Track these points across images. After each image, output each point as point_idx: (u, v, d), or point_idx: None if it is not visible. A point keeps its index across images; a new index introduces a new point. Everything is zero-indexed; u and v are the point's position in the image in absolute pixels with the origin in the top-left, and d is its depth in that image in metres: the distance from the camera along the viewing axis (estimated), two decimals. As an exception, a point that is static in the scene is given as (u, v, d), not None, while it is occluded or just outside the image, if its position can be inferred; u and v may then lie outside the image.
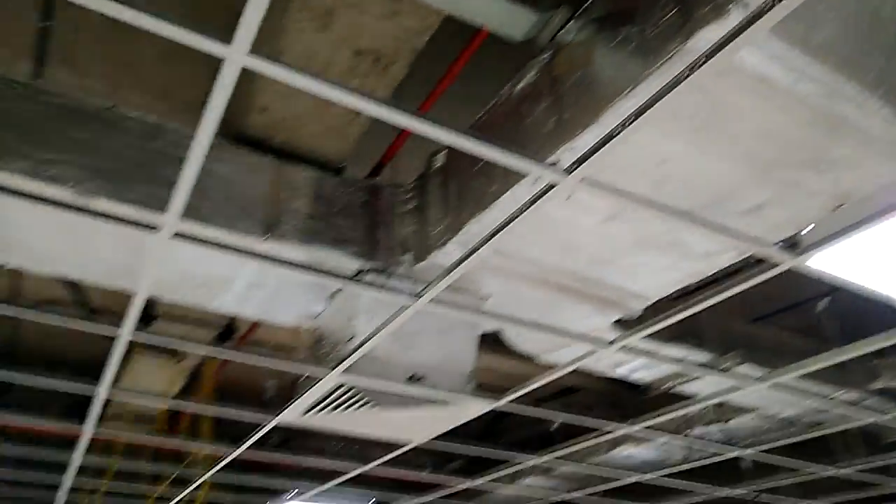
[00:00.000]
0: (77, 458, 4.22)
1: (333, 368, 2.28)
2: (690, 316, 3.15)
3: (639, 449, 4.54)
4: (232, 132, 2.38)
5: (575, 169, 1.54)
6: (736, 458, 4.48)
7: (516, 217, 1.80)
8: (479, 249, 1.92)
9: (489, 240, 1.92)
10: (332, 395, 2.48)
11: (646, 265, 2.34)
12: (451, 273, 2.01)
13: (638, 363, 3.18)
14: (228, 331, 3.95)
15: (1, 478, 5.73)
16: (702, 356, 3.13)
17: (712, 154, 1.83)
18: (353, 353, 2.27)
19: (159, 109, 2.19)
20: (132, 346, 4.27)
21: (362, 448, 5.02)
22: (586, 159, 1.51)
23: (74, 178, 2.03)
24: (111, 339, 2.69)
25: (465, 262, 1.98)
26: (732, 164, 1.86)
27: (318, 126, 2.31)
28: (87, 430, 3.75)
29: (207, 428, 4.80)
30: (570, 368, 3.16)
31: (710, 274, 2.37)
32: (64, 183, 2.02)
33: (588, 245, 2.24)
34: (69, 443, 4.63)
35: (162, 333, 3.93)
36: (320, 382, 2.38)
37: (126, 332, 2.34)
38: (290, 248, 2.30)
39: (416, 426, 2.76)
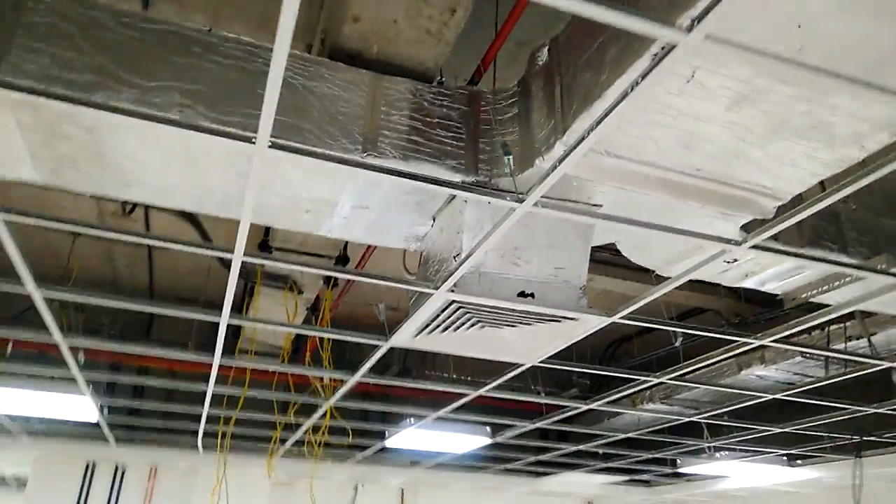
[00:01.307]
0: (210, 388, 4.51)
1: (440, 286, 2.22)
2: (829, 216, 2.87)
3: (770, 370, 4.27)
4: (328, 48, 2.31)
5: (698, 24, 1.35)
6: (888, 372, 4.11)
7: (630, 102, 1.63)
8: (585, 140, 1.76)
9: (598, 125, 1.76)
10: (441, 314, 2.44)
11: (781, 156, 2.09)
12: (558, 170, 1.87)
13: (770, 272, 2.93)
14: (342, 260, 4.01)
15: (151, 409, 6.27)
16: (844, 258, 2.83)
17: (858, 13, 1.56)
18: (459, 268, 2.20)
19: (260, 38, 2.15)
20: (253, 283, 4.46)
21: (478, 376, 5.05)
22: (708, 13, 1.32)
23: (178, 104, 2.05)
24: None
25: (573, 156, 1.83)
26: (879, 24, 1.58)
27: (412, 31, 2.20)
28: (217, 361, 3.97)
29: (328, 357, 4.98)
30: (692, 277, 2.96)
31: (856, 161, 2.09)
32: (167, 110, 2.04)
33: (713, 137, 2.02)
34: (205, 376, 4.96)
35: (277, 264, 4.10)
36: (429, 301, 2.34)
37: (238, 253, 2.37)
38: (391, 164, 2.23)
39: (529, 346, 2.69)
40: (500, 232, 2.04)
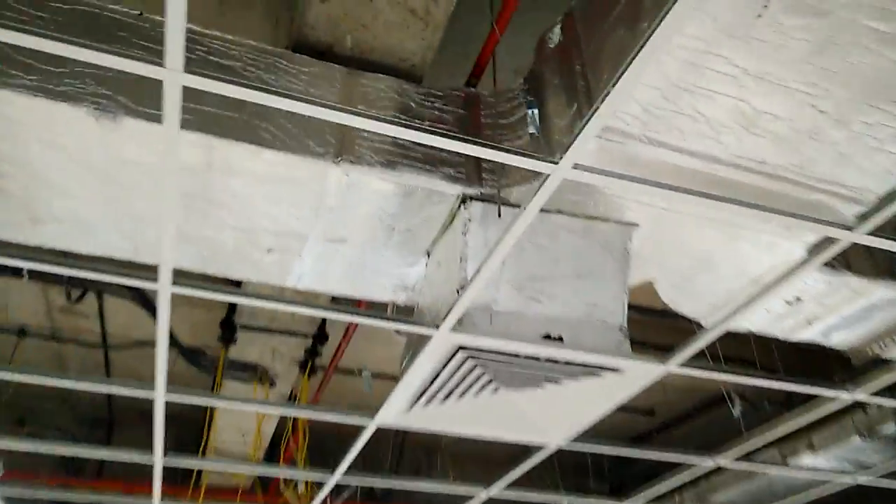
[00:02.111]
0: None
1: (440, 325, 1.68)
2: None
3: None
4: (293, 41, 1.89)
5: None
6: None
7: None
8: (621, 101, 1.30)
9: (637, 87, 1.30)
10: (443, 369, 1.87)
11: (869, 135, 1.64)
12: (576, 143, 1.40)
13: (839, 316, 2.40)
14: (320, 339, 3.42)
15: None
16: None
17: None
18: (464, 294, 1.67)
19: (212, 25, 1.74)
20: (221, 376, 3.84)
21: (477, 469, 4.33)
22: None
23: (93, 95, 1.59)
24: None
25: (602, 117, 1.36)
26: None
27: (392, 11, 1.79)
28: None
29: (303, 457, 4.25)
30: (745, 328, 2.42)
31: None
32: (79, 100, 1.58)
33: (781, 108, 1.57)
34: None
35: (245, 349, 3.50)
36: (427, 351, 1.79)
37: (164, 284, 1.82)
38: (370, 173, 1.75)
39: (554, 417, 2.10)
40: (517, 233, 1.52)
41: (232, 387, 3.77)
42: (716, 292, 2.26)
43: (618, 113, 1.55)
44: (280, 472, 3.52)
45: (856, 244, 2.30)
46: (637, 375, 1.87)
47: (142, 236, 1.95)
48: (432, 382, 1.95)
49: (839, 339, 2.55)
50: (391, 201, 1.83)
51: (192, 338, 4.04)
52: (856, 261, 2.21)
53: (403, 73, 1.95)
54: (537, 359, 1.81)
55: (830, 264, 2.13)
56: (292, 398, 4.21)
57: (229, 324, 3.31)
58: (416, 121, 1.86)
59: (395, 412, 2.12)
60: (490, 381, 1.89)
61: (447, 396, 2.01)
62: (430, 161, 1.81)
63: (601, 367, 1.84)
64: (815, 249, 1.97)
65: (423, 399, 2.04)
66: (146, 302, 3.77)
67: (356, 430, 2.62)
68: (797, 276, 2.16)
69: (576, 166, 1.51)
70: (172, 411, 3.33)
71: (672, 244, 2.04)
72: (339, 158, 1.72)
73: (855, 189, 1.79)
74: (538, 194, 1.51)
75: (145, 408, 2.63)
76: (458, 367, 1.84)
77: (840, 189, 1.79)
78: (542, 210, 1.86)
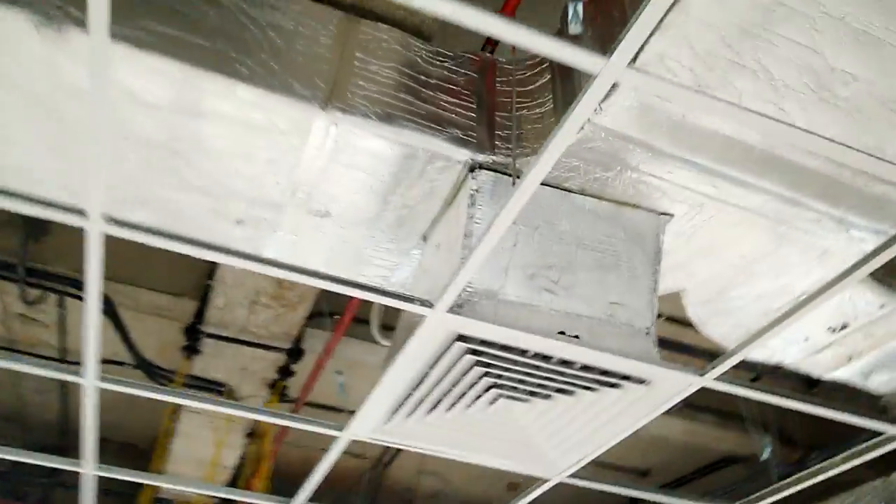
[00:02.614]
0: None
1: (435, 304, 1.37)
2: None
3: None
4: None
5: None
6: None
7: None
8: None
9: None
10: (436, 364, 1.55)
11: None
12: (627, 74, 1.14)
13: (883, 352, 2.10)
14: (295, 354, 3.08)
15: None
16: None
17: None
18: (465, 267, 1.37)
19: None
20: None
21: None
22: None
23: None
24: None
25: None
26: None
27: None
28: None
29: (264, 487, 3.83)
30: (778, 361, 2.13)
31: None
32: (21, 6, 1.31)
33: (855, 60, 1.32)
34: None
35: (211, 363, 3.13)
36: (418, 339, 1.47)
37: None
38: (364, 126, 1.48)
39: (563, 437, 1.77)
40: (533, 186, 1.23)
41: (189, 413, 3.40)
42: (750, 312, 1.97)
43: (666, 56, 1.29)
44: (233, 494, 3.11)
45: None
46: (666, 389, 1.55)
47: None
48: (419, 385, 1.63)
49: (879, 382, 2.24)
50: (387, 165, 1.56)
51: (159, 355, 3.67)
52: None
53: (410, 29, 1.70)
54: (549, 360, 1.49)
55: (888, 282, 1.85)
56: (254, 434, 3.83)
57: (194, 331, 2.97)
58: (423, 76, 1.60)
59: (371, 423, 1.78)
60: (491, 386, 1.57)
61: (436, 405, 1.68)
62: (436, 120, 1.54)
63: (625, 377, 1.53)
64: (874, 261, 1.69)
65: (407, 407, 1.71)
66: (112, 313, 3.44)
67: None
68: (848, 293, 1.88)
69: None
70: (124, 434, 2.94)
71: (709, 245, 1.76)
72: (328, 104, 1.45)
73: (932, 184, 1.53)
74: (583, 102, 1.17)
75: (104, 435, 2.29)
76: (454, 364, 1.52)
77: (914, 182, 1.53)
78: (563, 188, 1.60)
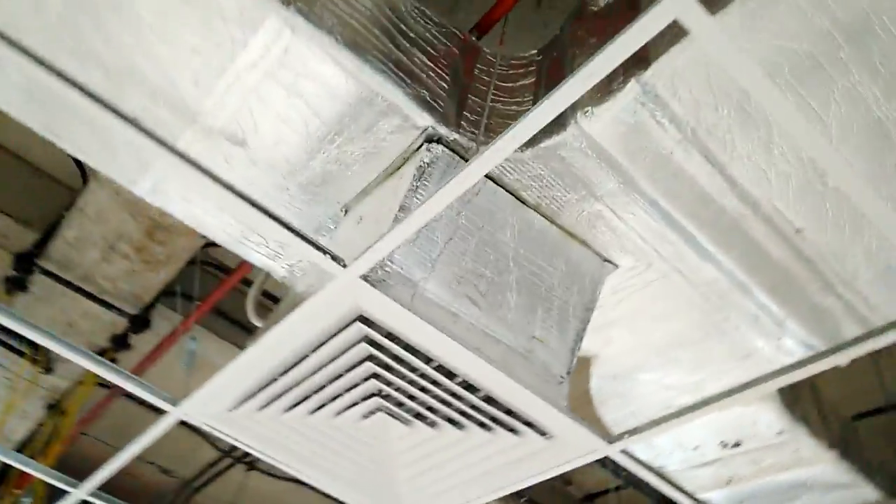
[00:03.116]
0: None
1: (349, 265, 1.11)
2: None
3: None
4: None
5: None
6: None
7: None
8: None
9: None
10: (319, 349, 1.27)
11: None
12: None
13: (765, 484, 2.01)
14: (139, 323, 2.64)
15: None
16: (865, 492, 2.00)
17: None
18: (389, 241, 1.13)
19: None
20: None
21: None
22: None
23: None
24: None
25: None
26: None
27: None
28: None
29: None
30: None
31: None
32: None
33: (855, 161, 1.24)
34: None
35: (35, 306, 2.58)
36: (313, 307, 1.19)
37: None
38: (324, 44, 1.24)
39: (433, 480, 1.51)
40: (481, 171, 1.02)
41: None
42: (652, 403, 1.83)
43: (676, 77, 1.16)
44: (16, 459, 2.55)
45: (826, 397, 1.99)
46: (568, 449, 1.34)
47: None
48: (290, 370, 1.33)
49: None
50: (335, 103, 1.31)
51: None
52: (814, 420, 1.88)
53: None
54: (453, 378, 1.25)
55: (793, 410, 1.78)
56: (56, 407, 3.27)
57: (27, 262, 2.48)
58: (402, 25, 1.40)
59: (212, 406, 1.44)
60: (375, 393, 1.31)
61: (299, 403, 1.38)
62: (408, 72, 1.33)
63: (529, 423, 1.31)
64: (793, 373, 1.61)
65: (264, 396, 1.39)
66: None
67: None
68: (753, 408, 1.79)
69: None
70: None
71: (640, 313, 1.62)
72: (291, 3, 1.21)
73: (875, 307, 1.47)
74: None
75: None
76: (343, 352, 1.25)
77: (859, 301, 1.47)
78: (518, 197, 1.41)
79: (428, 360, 1.24)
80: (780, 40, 1.11)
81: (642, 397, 1.83)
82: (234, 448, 4.59)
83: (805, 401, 1.84)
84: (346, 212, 1.52)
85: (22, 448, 3.38)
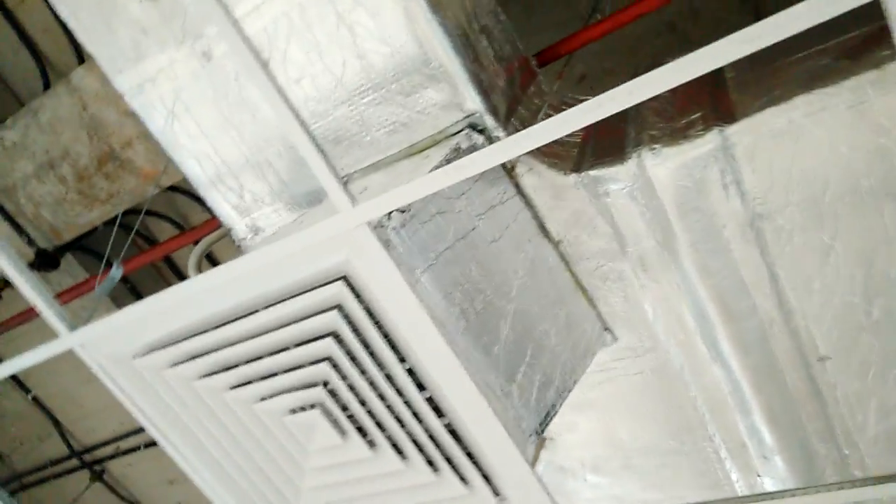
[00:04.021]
0: None
1: (357, 203, 0.91)
2: None
3: None
4: None
5: None
6: None
7: None
8: None
9: None
10: (283, 301, 1.05)
11: None
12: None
13: None
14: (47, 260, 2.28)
15: None
16: None
17: None
18: (407, 196, 0.95)
19: None
20: None
21: None
22: None
23: None
24: None
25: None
26: None
27: None
28: None
29: None
30: None
31: None
32: None
33: None
34: None
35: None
36: (299, 241, 0.98)
37: None
38: (402, -11, 1.10)
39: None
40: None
41: None
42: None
43: (759, 144, 1.06)
44: None
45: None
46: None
47: None
48: (224, 325, 1.09)
49: None
50: (383, 51, 1.16)
51: None
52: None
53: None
54: (422, 391, 1.04)
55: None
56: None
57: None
58: (482, 21, 1.28)
59: (116, 344, 1.17)
60: (321, 383, 1.07)
61: (222, 371, 1.13)
62: (473, 50, 1.20)
63: (486, 476, 1.08)
64: None
65: (182, 349, 1.13)
66: None
67: None
68: None
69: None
70: None
71: (618, 404, 1.45)
72: (386, -73, 1.08)
73: (868, 468, 1.34)
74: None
75: None
76: (304, 318, 1.02)
77: (854, 456, 1.34)
78: (542, 226, 1.26)
79: (402, 360, 1.02)
80: (885, 139, 1.03)
81: (583, 503, 1.63)
82: (89, 450, 4.04)
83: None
84: (346, 182, 1.33)
85: None
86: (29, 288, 1.17)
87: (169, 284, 1.73)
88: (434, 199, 1.11)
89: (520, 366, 1.19)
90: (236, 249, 1.56)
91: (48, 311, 1.18)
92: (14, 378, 3.84)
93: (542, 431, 1.21)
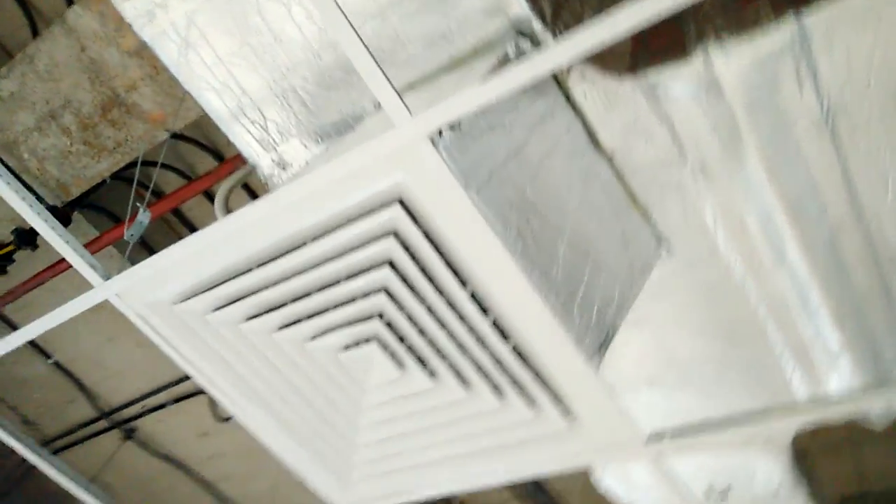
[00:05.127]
0: None
1: (415, 113, 0.83)
2: None
3: None
4: None
5: None
6: None
7: None
8: None
9: None
10: (331, 233, 0.98)
11: None
12: None
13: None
14: (25, 237, 2.20)
15: None
16: None
17: None
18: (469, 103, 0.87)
19: None
20: None
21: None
22: None
23: None
24: None
25: None
26: None
27: None
28: None
29: None
30: None
31: None
32: None
33: None
34: None
35: None
36: (344, 166, 0.91)
37: None
38: None
39: (402, 447, 1.21)
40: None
41: None
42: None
43: (837, 32, 0.97)
44: None
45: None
46: (591, 437, 1.08)
47: None
48: (269, 263, 1.02)
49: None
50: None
51: None
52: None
53: None
54: (486, 314, 0.98)
55: (803, 469, 1.59)
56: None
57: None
58: None
59: (154, 291, 1.11)
60: (377, 315, 1.01)
61: (269, 311, 1.07)
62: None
63: (556, 396, 1.04)
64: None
65: (225, 290, 1.07)
66: None
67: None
68: (760, 456, 1.58)
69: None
70: None
71: (674, 319, 1.40)
72: None
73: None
74: None
75: None
76: (357, 248, 0.96)
77: None
78: (594, 139, 1.18)
79: (463, 283, 0.96)
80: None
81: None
82: (116, 410, 4.05)
83: (812, 458, 1.65)
84: (378, 106, 1.24)
85: None
86: (58, 238, 1.11)
87: (181, 237, 1.67)
88: (484, 114, 1.03)
89: (579, 286, 1.13)
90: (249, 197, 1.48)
91: (80, 262, 1.12)
92: (33, 344, 3.82)
93: (604, 351, 1.16)
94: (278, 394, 1.19)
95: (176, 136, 2.40)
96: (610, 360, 1.53)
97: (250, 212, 1.00)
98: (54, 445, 4.49)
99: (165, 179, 2.97)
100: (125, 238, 1.21)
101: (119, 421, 4.02)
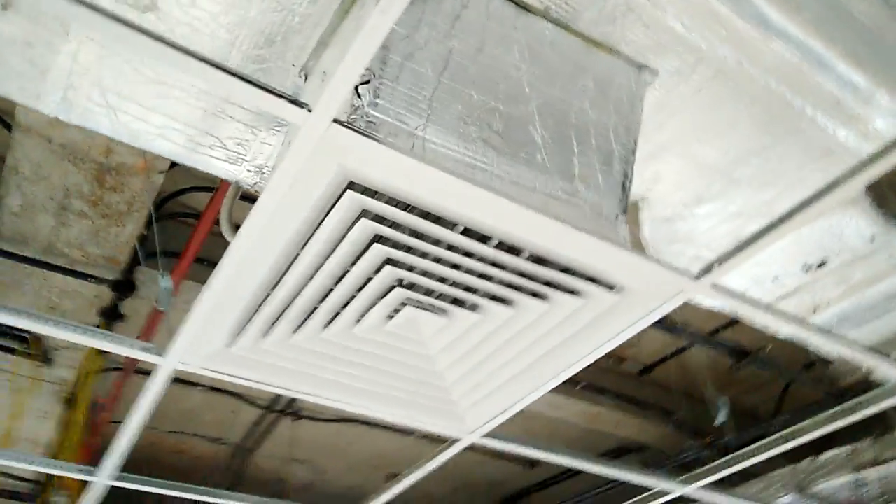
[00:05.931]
0: None
1: (314, 108, 0.80)
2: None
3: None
4: None
5: None
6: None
7: None
8: None
9: None
10: (313, 236, 0.99)
11: None
12: None
13: (858, 301, 1.76)
14: (123, 287, 2.35)
15: None
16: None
17: None
18: (358, 65, 0.82)
19: None
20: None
21: None
22: None
23: None
24: None
25: None
26: None
27: None
28: None
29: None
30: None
31: None
32: None
33: None
34: None
35: (10, 293, 2.28)
36: (281, 181, 0.90)
37: None
38: None
39: (483, 376, 1.25)
40: None
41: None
42: (717, 236, 1.56)
43: None
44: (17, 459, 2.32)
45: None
46: (645, 295, 1.08)
47: None
48: (280, 281, 1.05)
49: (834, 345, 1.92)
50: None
51: None
52: (901, 216, 1.60)
53: None
54: (487, 242, 0.97)
55: (886, 205, 1.51)
56: (72, 401, 3.04)
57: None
58: None
59: (205, 346, 1.18)
60: (395, 284, 1.03)
61: (306, 317, 1.11)
62: None
63: (591, 279, 1.03)
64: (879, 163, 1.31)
65: (260, 319, 1.12)
66: None
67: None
68: (835, 218, 1.51)
69: None
70: None
71: (691, 131, 1.32)
72: None
73: None
74: None
75: None
76: (341, 238, 0.96)
77: None
78: (518, 5, 1.09)
79: (452, 226, 0.95)
80: None
81: (704, 234, 1.56)
82: (274, 401, 4.40)
83: (892, 194, 1.56)
84: (306, 77, 1.20)
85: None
86: (107, 342, 1.18)
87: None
88: (392, 48, 0.97)
89: (571, 158, 1.09)
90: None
91: (131, 349, 1.20)
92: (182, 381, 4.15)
93: (626, 205, 1.13)
94: (362, 378, 1.26)
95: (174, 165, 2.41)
96: (650, 198, 1.48)
97: (239, 245, 1.02)
98: (246, 447, 4.98)
99: (195, 200, 3.04)
100: (160, 307, 1.27)
101: (281, 409, 4.39)
